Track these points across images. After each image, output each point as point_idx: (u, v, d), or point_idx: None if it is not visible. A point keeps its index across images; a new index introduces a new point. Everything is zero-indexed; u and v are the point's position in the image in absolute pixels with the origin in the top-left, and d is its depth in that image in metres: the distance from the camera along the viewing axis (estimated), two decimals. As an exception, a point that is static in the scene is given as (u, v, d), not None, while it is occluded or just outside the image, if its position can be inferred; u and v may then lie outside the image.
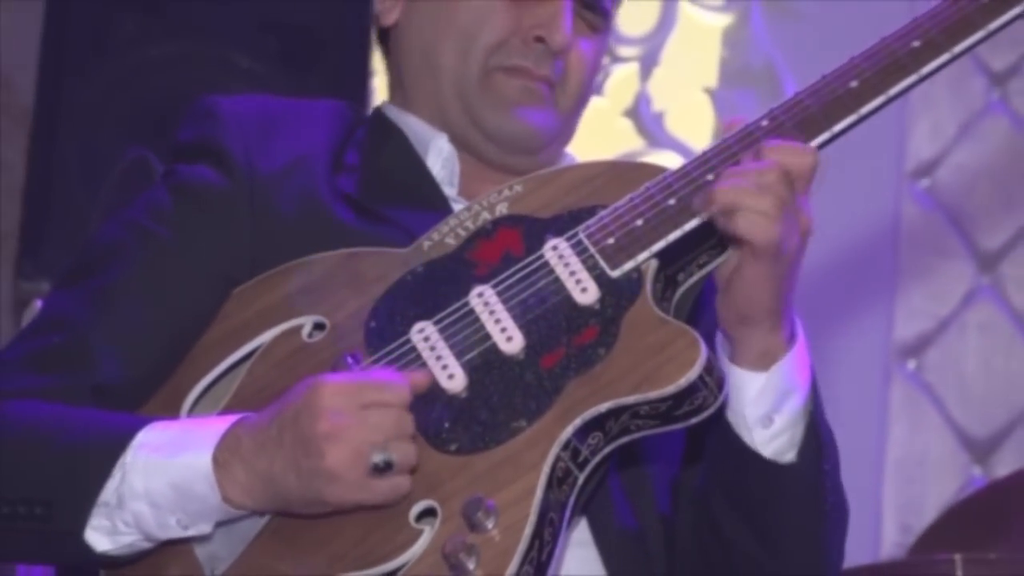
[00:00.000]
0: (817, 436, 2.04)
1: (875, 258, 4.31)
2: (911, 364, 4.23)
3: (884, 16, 4.31)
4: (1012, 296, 4.21)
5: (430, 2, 2.23)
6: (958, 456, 4.16)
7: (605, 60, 4.38)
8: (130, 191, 3.51)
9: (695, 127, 4.44)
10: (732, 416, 2.02)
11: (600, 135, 4.40)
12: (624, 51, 4.50)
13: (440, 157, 2.21)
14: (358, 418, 1.87)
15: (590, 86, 2.26)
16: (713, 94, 4.44)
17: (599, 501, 2.04)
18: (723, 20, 4.48)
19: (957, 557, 2.93)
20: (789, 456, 2.03)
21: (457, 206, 2.16)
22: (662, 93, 4.48)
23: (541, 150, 2.24)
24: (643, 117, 4.46)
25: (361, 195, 2.15)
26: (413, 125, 2.24)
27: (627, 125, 4.47)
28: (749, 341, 1.98)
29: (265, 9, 3.73)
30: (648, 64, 4.50)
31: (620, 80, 4.50)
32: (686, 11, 4.50)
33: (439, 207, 2.16)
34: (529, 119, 2.21)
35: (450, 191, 2.20)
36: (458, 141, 2.22)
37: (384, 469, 1.87)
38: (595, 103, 4.38)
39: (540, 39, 2.18)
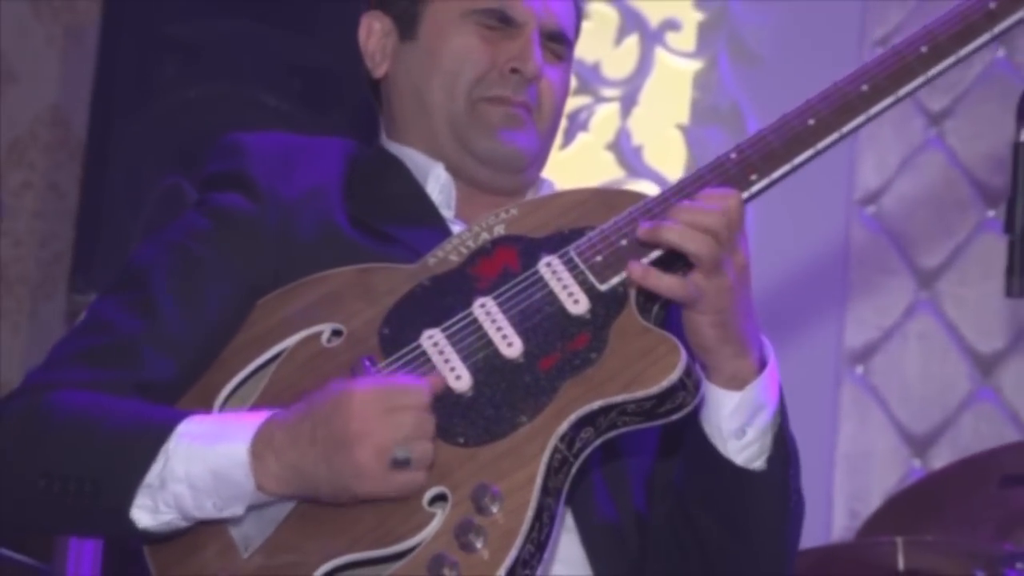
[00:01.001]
0: (784, 445, 2.07)
1: (827, 275, 4.30)
2: (859, 369, 4.24)
3: (836, 63, 4.30)
4: (947, 310, 4.22)
5: (414, 52, 2.27)
6: (900, 451, 4.17)
7: (590, 100, 4.42)
8: (165, 213, 3.53)
9: (669, 160, 4.44)
10: (708, 428, 2.04)
11: (586, 166, 4.41)
12: (607, 92, 4.50)
13: (438, 184, 2.23)
14: (384, 420, 1.89)
15: (561, 108, 2.29)
16: (685, 131, 4.43)
17: (582, 492, 2.04)
18: (694, 65, 4.48)
19: (898, 540, 2.95)
20: (758, 463, 2.05)
21: (454, 226, 2.20)
22: (640, 129, 4.48)
23: (527, 168, 2.27)
24: (623, 150, 4.46)
25: (370, 218, 2.17)
26: (412, 157, 2.26)
27: (609, 158, 4.46)
28: (718, 366, 2.00)
29: (290, 54, 3.75)
30: (628, 104, 4.49)
31: (603, 118, 4.49)
32: (661, 57, 4.50)
33: (438, 227, 2.19)
34: (514, 141, 2.24)
35: (448, 213, 2.22)
36: (453, 169, 2.24)
37: (403, 464, 1.89)
38: (581, 138, 4.43)
39: (515, 70, 2.22)
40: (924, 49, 2.09)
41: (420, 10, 2.26)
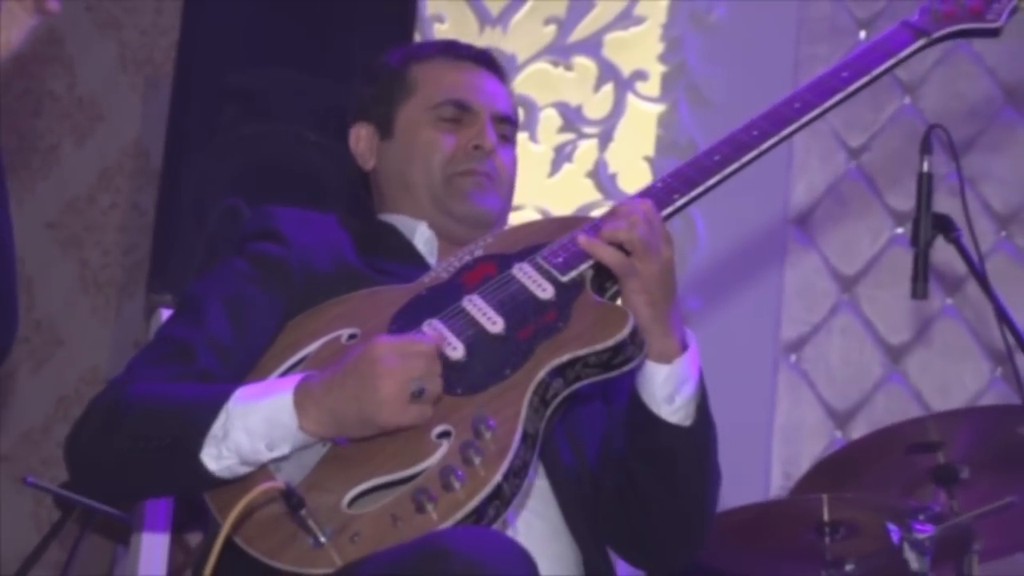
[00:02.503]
0: (705, 412, 2.13)
1: (767, 280, 4.30)
2: (792, 357, 4.23)
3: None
4: (864, 309, 4.23)
5: (394, 147, 2.37)
6: (825, 424, 4.18)
7: (574, 136, 4.44)
8: (223, 228, 3.54)
9: (638, 185, 4.35)
10: (645, 395, 2.11)
11: (570, 191, 4.42)
12: (587, 130, 4.51)
13: (423, 239, 2.32)
14: (403, 362, 1.94)
15: (514, 178, 2.39)
16: (651, 161, 4.43)
17: (550, 447, 2.11)
18: (658, 108, 4.48)
19: (824, 496, 2.95)
20: (686, 423, 2.11)
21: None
22: (615, 160, 4.48)
23: (494, 224, 2.34)
24: (601, 178, 4.46)
25: (371, 260, 2.25)
26: (400, 221, 2.35)
27: (589, 184, 4.46)
28: (650, 343, 2.07)
29: (327, 98, 3.75)
30: (605, 139, 4.49)
31: (584, 151, 4.49)
32: (632, 102, 4.51)
33: (423, 267, 2.26)
34: (483, 203, 2.32)
35: (431, 260, 2.29)
36: (435, 228, 2.32)
37: (418, 396, 1.94)
38: (566, 167, 4.45)
39: (477, 147, 2.30)
40: (797, 105, 2.25)
41: (394, 114, 2.36)
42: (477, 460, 1.90)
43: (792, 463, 4.02)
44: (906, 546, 2.74)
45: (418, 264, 2.26)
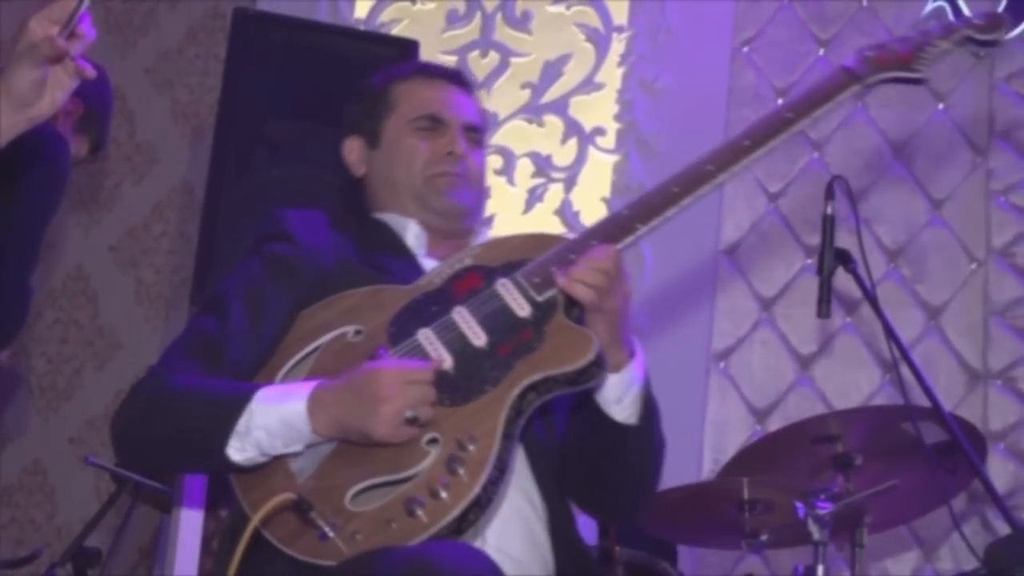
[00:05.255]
0: (649, 408, 2.09)
1: (702, 299, 4.29)
2: (721, 364, 4.23)
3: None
4: (780, 325, 4.23)
5: (380, 155, 2.31)
6: (747, 419, 4.17)
7: (544, 180, 4.44)
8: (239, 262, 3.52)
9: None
10: (599, 398, 2.08)
11: (540, 225, 4.39)
12: (556, 175, 4.51)
13: (412, 234, 2.26)
14: (402, 389, 1.90)
15: (484, 176, 2.33)
16: (608, 202, 4.43)
17: (529, 430, 2.06)
18: (614, 158, 4.48)
19: (744, 479, 2.93)
20: (632, 421, 2.08)
21: (425, 262, 2.21)
22: (578, 201, 4.47)
23: (469, 215, 2.29)
24: (567, 215, 4.46)
25: (370, 257, 2.19)
26: (392, 219, 2.29)
27: (557, 220, 4.46)
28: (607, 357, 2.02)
29: (340, 145, 3.70)
30: (570, 183, 4.49)
31: (553, 193, 4.49)
32: (592, 153, 4.51)
33: (413, 263, 2.20)
34: (457, 198, 2.27)
35: (419, 252, 2.24)
36: (422, 223, 2.26)
37: (412, 421, 1.90)
38: (538, 207, 4.44)
39: (450, 152, 2.25)
40: (747, 142, 2.13)
41: (380, 128, 2.30)
42: (461, 471, 1.87)
43: (720, 451, 4.02)
44: (810, 520, 2.74)
45: (409, 259, 2.21)
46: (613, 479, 2.13)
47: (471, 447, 1.89)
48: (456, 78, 2.35)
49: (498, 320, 2.01)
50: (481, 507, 1.87)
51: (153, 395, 2.01)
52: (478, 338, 2.00)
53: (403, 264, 2.19)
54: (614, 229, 2.05)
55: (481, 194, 2.33)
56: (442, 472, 1.87)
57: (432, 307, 2.05)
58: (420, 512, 1.85)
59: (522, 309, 2.01)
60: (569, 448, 2.16)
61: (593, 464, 2.12)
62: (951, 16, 4.26)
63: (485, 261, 2.10)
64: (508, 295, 2.03)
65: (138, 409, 2.02)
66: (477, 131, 2.32)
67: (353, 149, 2.35)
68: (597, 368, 1.96)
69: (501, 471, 1.89)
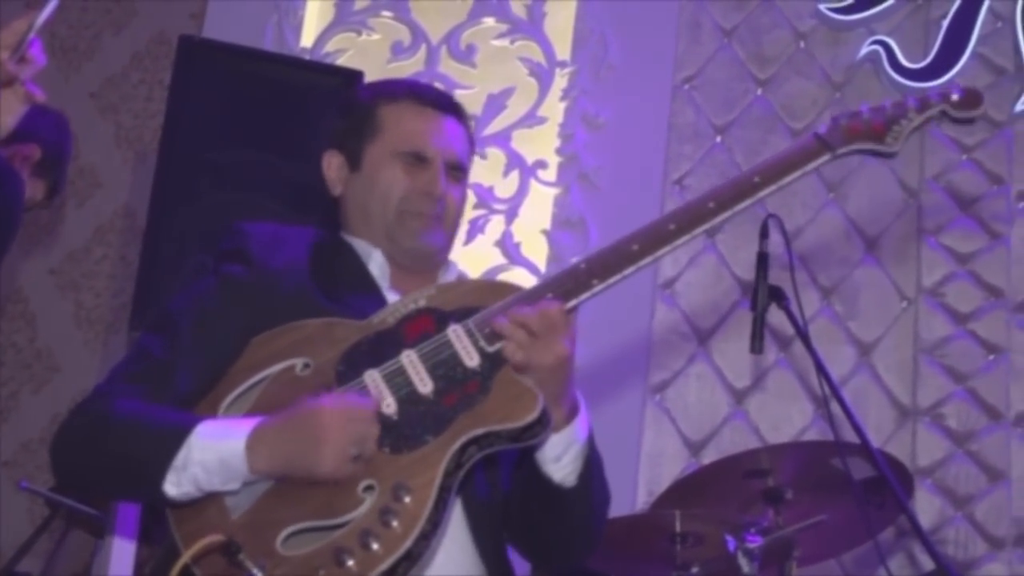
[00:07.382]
0: (589, 467, 2.03)
1: (639, 332, 4.30)
2: (657, 397, 4.24)
3: (645, 191, 4.36)
4: (715, 359, 4.27)
5: (359, 179, 2.22)
6: (682, 452, 4.19)
7: (485, 212, 4.43)
8: (195, 278, 3.49)
9: (537, 253, 4.47)
10: (539, 456, 2.02)
11: (482, 257, 4.41)
12: (497, 207, 4.51)
13: (377, 264, 2.18)
14: (345, 427, 1.86)
15: (462, 212, 2.25)
16: (548, 234, 4.44)
17: (469, 483, 2.01)
18: (555, 191, 4.49)
19: (676, 512, 2.94)
20: (570, 481, 2.03)
21: (387, 293, 2.14)
22: (519, 232, 4.47)
23: (436, 256, 2.23)
24: (507, 247, 4.46)
25: (329, 287, 2.12)
26: (359, 245, 2.21)
27: (498, 251, 4.46)
28: None
29: (286, 174, 3.71)
30: (511, 215, 4.50)
31: (494, 224, 4.50)
32: (534, 185, 4.52)
33: (375, 295, 2.14)
34: (429, 241, 2.19)
35: (383, 284, 2.17)
36: (387, 255, 2.19)
37: (356, 458, 1.86)
38: (479, 237, 4.44)
39: (428, 192, 2.18)
40: (712, 205, 2.04)
41: (363, 150, 2.21)
42: (394, 523, 1.83)
43: (655, 483, 4.01)
44: (740, 554, 2.75)
45: (369, 290, 2.14)
46: (552, 536, 2.08)
47: (407, 499, 1.85)
48: (448, 106, 2.24)
49: (446, 368, 1.96)
50: (412, 561, 1.82)
51: (94, 420, 1.96)
52: (424, 385, 1.95)
53: (362, 297, 2.13)
54: (569, 283, 1.99)
55: (455, 231, 2.24)
56: (375, 522, 1.83)
57: (383, 347, 1.99)
58: (350, 562, 1.80)
59: (471, 359, 1.95)
60: (512, 501, 2.11)
61: (533, 521, 2.08)
62: (884, 60, 4.34)
63: (439, 304, 2.04)
64: (459, 343, 1.97)
65: (78, 433, 1.97)
66: (460, 169, 2.23)
67: (333, 166, 2.24)
68: (541, 426, 1.90)
69: (435, 525, 1.85)
